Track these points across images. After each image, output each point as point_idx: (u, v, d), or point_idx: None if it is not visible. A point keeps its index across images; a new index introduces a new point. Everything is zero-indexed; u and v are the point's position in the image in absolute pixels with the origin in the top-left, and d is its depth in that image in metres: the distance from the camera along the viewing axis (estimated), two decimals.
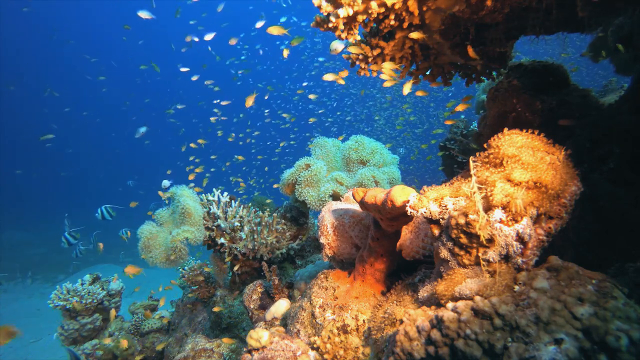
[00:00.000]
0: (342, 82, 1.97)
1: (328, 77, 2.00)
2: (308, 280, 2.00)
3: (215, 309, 2.59)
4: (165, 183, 3.54)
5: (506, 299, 0.84)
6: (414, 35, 1.42)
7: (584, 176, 1.21)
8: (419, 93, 2.15)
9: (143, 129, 3.93)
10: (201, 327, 2.83)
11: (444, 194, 1.06)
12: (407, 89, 1.78)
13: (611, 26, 2.04)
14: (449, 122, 2.55)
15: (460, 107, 2.03)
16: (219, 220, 2.65)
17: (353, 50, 1.54)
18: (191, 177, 4.35)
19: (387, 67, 1.55)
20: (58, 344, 3.29)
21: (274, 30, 1.96)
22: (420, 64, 1.72)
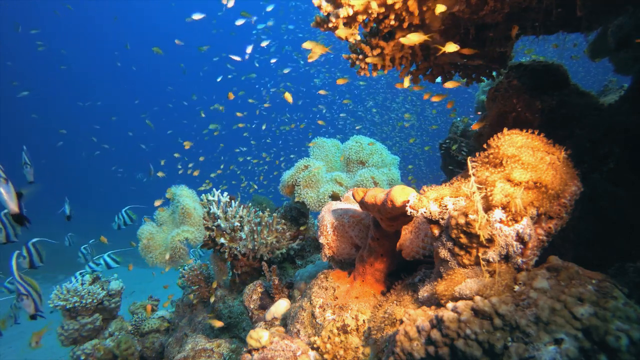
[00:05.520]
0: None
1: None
2: (308, 280, 2.00)
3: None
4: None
5: (506, 299, 0.84)
6: (414, 38, 1.41)
7: (584, 176, 1.21)
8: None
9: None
10: (201, 327, 2.82)
11: (444, 194, 1.06)
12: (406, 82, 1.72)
13: (611, 26, 2.04)
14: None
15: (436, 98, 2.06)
16: (219, 220, 2.65)
17: (342, 32, 1.43)
18: (196, 173, 4.33)
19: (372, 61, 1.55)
20: (58, 344, 3.28)
21: (314, 49, 1.72)
22: (420, 64, 1.72)
